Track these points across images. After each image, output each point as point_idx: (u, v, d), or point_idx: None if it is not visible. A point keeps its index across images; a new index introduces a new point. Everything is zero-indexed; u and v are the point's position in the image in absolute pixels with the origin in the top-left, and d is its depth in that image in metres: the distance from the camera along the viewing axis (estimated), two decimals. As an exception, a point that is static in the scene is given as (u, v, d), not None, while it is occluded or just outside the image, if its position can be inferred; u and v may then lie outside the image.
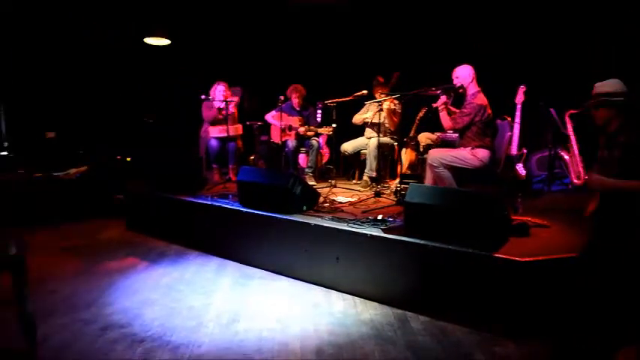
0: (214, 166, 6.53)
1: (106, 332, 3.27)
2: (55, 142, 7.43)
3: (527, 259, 3.10)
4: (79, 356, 2.96)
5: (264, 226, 4.47)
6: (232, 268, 4.62)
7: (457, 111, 4.75)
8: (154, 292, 4.00)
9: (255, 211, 4.57)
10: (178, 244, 5.37)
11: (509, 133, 4.61)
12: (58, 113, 7.46)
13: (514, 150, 4.53)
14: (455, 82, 4.70)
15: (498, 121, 4.83)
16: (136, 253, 5.11)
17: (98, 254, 5.05)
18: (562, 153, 5.15)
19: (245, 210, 4.70)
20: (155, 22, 6.74)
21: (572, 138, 4.96)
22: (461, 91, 4.70)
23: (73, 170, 6.92)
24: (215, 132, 6.42)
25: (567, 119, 4.95)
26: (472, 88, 4.65)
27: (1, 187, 6.12)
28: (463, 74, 4.67)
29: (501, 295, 3.18)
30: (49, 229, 5.99)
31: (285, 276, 4.33)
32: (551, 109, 5.12)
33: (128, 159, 7.47)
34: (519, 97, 4.52)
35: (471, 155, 4.52)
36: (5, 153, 7.16)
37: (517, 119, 4.52)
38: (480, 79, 4.70)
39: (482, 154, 4.54)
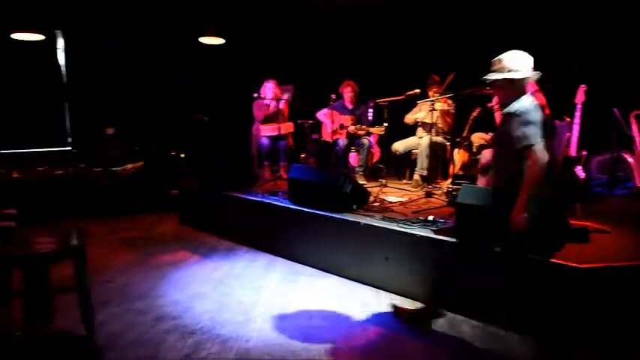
0: (265, 163, 6.62)
1: (159, 323, 3.37)
2: (114, 138, 7.73)
3: (585, 266, 2.98)
4: (133, 345, 3.06)
5: (313, 224, 4.49)
6: (281, 264, 4.66)
7: (513, 110, 4.60)
8: (204, 286, 4.09)
9: (305, 209, 4.59)
10: (229, 239, 5.47)
11: (568, 134, 4.43)
12: (116, 110, 7.76)
13: (573, 152, 4.35)
14: (512, 80, 4.55)
15: (557, 122, 4.65)
16: (188, 247, 5.25)
17: (152, 247, 5.22)
18: (625, 155, 4.91)
19: (295, 207, 4.73)
20: (209, 21, 6.89)
21: (638, 139, 4.72)
22: (517, 89, 4.55)
23: (129, 165, 7.18)
24: (267, 131, 6.51)
25: (632, 120, 4.72)
26: (529, 88, 4.48)
27: (64, 181, 6.43)
28: (520, 72, 4.51)
29: (556, 302, 3.06)
30: (107, 221, 6.24)
31: (334, 274, 4.32)
32: (615, 109, 4.90)
33: (182, 155, 7.68)
34: (580, 97, 4.33)
35: (527, 157, 4.38)
36: (69, 148, 7.50)
37: (577, 120, 4.34)
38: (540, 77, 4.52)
39: (539, 155, 4.38)
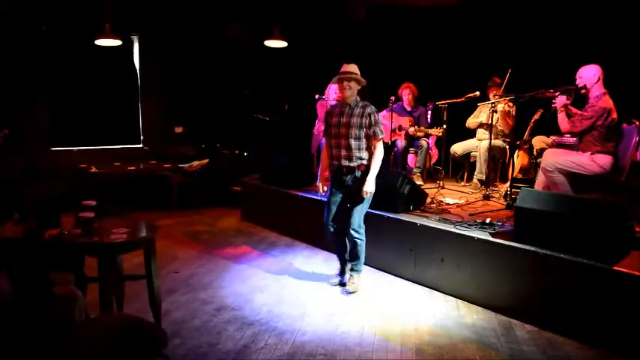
0: (324, 163, 6.71)
1: (220, 313, 3.56)
2: (182, 137, 8.10)
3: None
4: (196, 332, 3.25)
5: (370, 224, 4.54)
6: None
7: (578, 112, 4.47)
8: (263, 280, 4.25)
9: (362, 209, 4.65)
10: (288, 235, 5.64)
11: (637, 138, 4.25)
12: (185, 111, 8.12)
13: (641, 156, 4.18)
14: (577, 82, 4.42)
15: (625, 126, 4.47)
16: (249, 241, 5.45)
17: (215, 241, 5.46)
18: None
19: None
20: (274, 24, 7.05)
21: None
22: (583, 92, 4.40)
23: (195, 163, 7.51)
24: (327, 132, 6.61)
25: None
26: (596, 90, 4.33)
27: (136, 176, 6.81)
28: (587, 74, 4.36)
29: (619, 312, 2.99)
30: (174, 214, 6.57)
31: (389, 273, 4.39)
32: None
33: (245, 154, 7.94)
34: (650, 100, 4.15)
35: (590, 161, 4.23)
36: (141, 145, 7.93)
37: (646, 123, 4.17)
38: (609, 80, 4.36)
39: (604, 160, 4.23)
